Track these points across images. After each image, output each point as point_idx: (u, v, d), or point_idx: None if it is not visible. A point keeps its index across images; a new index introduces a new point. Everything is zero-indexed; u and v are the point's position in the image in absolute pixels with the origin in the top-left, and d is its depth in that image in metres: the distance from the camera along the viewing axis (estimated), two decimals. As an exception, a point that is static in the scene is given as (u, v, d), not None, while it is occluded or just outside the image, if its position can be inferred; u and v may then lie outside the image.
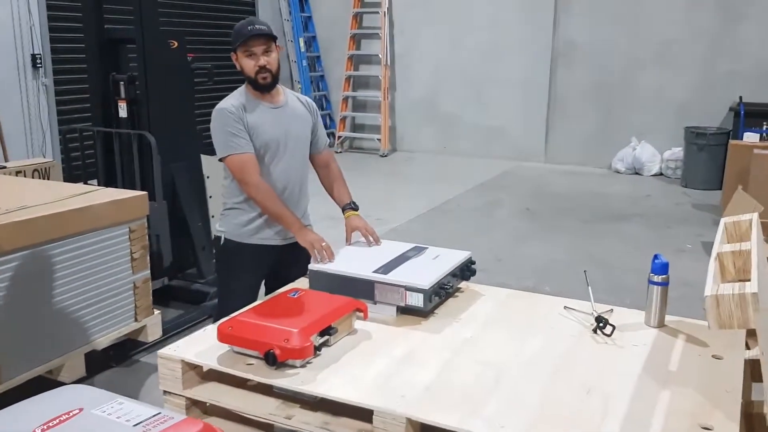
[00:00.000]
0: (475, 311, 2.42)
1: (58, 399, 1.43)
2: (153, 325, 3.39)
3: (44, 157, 6.74)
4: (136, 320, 3.31)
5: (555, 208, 6.90)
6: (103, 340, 3.16)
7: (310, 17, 10.46)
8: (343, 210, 2.90)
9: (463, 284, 2.62)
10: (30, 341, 2.81)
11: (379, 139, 10.07)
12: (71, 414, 1.36)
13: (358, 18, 10.21)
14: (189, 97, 4.29)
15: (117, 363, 3.41)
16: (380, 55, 9.93)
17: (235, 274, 2.85)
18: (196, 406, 2.09)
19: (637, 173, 8.55)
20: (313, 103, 2.92)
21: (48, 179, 4.50)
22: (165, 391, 2.10)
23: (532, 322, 2.32)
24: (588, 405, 1.77)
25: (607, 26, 8.66)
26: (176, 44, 4.03)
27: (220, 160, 2.69)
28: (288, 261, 2.81)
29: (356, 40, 10.34)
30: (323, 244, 2.57)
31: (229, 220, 2.81)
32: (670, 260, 2.26)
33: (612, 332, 2.18)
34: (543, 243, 5.68)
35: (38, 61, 6.81)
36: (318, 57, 10.59)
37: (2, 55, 6.47)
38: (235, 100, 2.69)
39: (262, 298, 2.63)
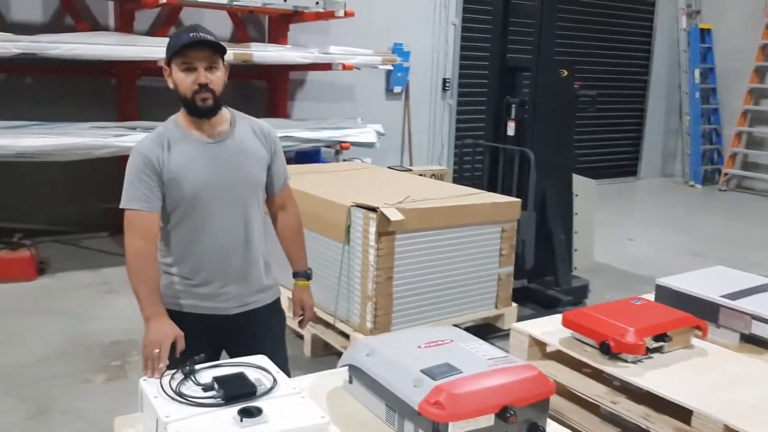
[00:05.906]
0: (834, 357, 2.30)
1: (439, 331, 1.94)
2: (509, 315, 3.87)
3: (440, 165, 7.89)
4: (496, 307, 3.84)
5: None
6: (467, 316, 3.75)
7: (710, 48, 10.00)
8: (295, 276, 2.27)
9: (826, 330, 2.48)
10: (414, 303, 3.51)
11: (773, 181, 9.15)
12: (445, 342, 1.84)
13: (765, 50, 9.42)
14: (570, 121, 4.70)
15: (475, 342, 3.97)
16: (787, 90, 9.02)
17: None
18: (535, 378, 2.46)
19: None
20: (271, 130, 2.21)
21: (442, 183, 5.37)
22: (512, 360, 2.51)
23: None
24: None
25: None
26: (566, 73, 4.47)
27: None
28: (244, 335, 2.18)
29: (760, 72, 9.54)
30: (156, 351, 1.83)
31: (163, 283, 2.12)
32: None
33: None
34: None
35: (447, 84, 7.98)
36: (713, 89, 10.06)
37: (421, 78, 7.77)
38: (156, 137, 2.06)
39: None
